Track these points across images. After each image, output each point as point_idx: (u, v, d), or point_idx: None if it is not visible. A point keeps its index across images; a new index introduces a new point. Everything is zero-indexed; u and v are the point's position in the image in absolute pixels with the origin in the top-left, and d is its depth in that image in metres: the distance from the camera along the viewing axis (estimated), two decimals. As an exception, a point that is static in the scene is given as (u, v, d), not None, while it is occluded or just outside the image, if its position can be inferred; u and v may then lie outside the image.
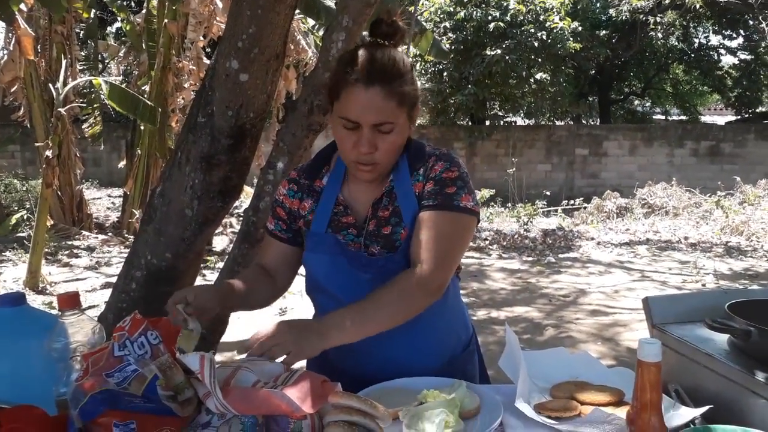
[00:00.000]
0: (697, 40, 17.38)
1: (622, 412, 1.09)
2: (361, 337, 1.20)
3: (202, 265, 6.06)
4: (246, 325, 4.73)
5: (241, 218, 8.88)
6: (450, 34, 11.67)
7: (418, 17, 10.40)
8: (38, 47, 7.57)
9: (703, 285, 5.93)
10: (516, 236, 8.33)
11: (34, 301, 5.32)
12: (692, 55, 17.39)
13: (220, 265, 6.42)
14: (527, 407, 1.13)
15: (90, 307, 4.97)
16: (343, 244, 1.31)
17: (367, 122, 1.20)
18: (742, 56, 17.17)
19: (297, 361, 1.13)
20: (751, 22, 15.13)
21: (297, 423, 1.00)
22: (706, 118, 22.01)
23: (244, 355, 1.15)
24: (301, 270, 1.44)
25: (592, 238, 8.35)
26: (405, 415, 1.09)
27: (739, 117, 18.45)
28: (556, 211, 10.28)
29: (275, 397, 0.98)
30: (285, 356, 1.12)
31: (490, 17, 11.37)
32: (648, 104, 21.68)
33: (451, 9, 11.76)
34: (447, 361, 1.40)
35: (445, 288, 1.28)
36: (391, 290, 1.21)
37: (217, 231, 8.25)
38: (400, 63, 1.22)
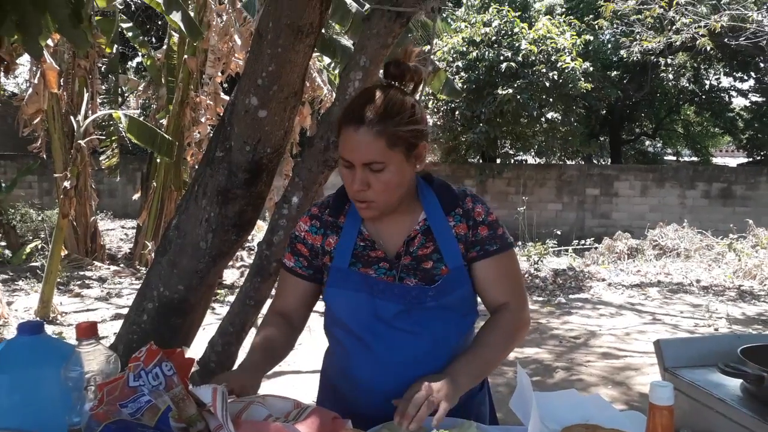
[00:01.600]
0: (708, 82, 17.50)
1: (633, 456, 1.08)
2: (480, 380, 1.38)
3: (212, 298, 6.08)
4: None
5: (252, 252, 8.92)
6: (462, 74, 11.85)
7: (432, 56, 10.59)
8: (61, 81, 7.77)
9: (716, 329, 5.84)
10: (526, 276, 8.29)
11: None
12: (703, 97, 17.50)
13: (230, 298, 6.42)
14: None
15: (100, 338, 4.97)
16: (371, 278, 1.33)
17: (357, 161, 1.25)
18: (754, 98, 17.26)
19: (448, 408, 1.17)
20: (762, 65, 15.25)
21: (307, 458, 1.00)
22: (718, 160, 22.00)
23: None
24: (318, 306, 1.46)
25: (603, 279, 8.29)
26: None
27: (751, 159, 18.43)
28: (567, 250, 10.24)
29: (286, 431, 0.99)
30: (439, 408, 1.16)
31: (502, 57, 11.54)
32: (659, 145, 21.73)
33: (464, 49, 11.96)
34: (463, 401, 1.39)
35: None
36: (501, 333, 1.36)
37: (228, 264, 8.30)
38: (395, 104, 1.25)
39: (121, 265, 8.60)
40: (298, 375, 4.32)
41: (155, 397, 1.02)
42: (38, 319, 5.63)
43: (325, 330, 1.44)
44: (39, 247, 8.56)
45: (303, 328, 1.47)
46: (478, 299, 1.41)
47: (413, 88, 1.34)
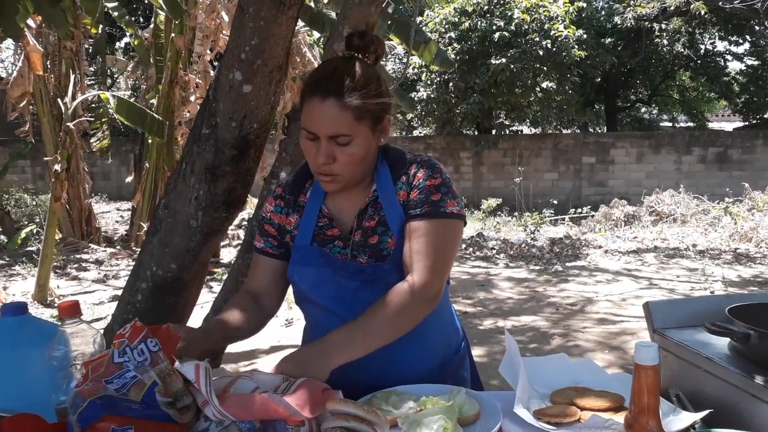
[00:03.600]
0: (703, 47, 17.34)
1: (621, 418, 1.09)
2: (366, 352, 1.22)
3: (209, 277, 6.11)
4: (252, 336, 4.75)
5: (248, 230, 8.92)
6: (455, 45, 11.72)
7: (423, 27, 10.45)
8: (48, 63, 7.66)
9: (712, 292, 5.88)
10: (523, 245, 8.31)
11: (42, 314, 5.35)
12: (698, 62, 17.36)
13: (228, 276, 6.43)
14: (526, 413, 1.13)
15: (97, 320, 5.00)
16: (330, 255, 1.32)
17: (323, 134, 1.22)
18: (749, 62, 17.14)
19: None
20: (757, 28, 15.10)
21: (295, 428, 1.01)
22: (714, 125, 21.91)
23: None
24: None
25: (600, 247, 8.32)
26: (404, 422, 1.10)
27: (747, 123, 18.37)
28: (564, 219, 10.25)
29: (273, 402, 0.99)
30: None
31: (494, 27, 11.42)
32: (655, 111, 21.64)
33: (456, 20, 11.82)
34: (438, 365, 1.40)
35: (442, 295, 1.30)
36: (390, 302, 1.23)
37: (224, 243, 8.30)
38: (363, 76, 1.22)
39: (118, 247, 8.60)
40: (293, 346, 4.34)
41: (141, 372, 1.02)
42: (33, 302, 5.65)
43: (297, 305, 1.43)
44: (34, 231, 8.55)
45: (276, 308, 1.46)
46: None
47: (375, 60, 1.31)
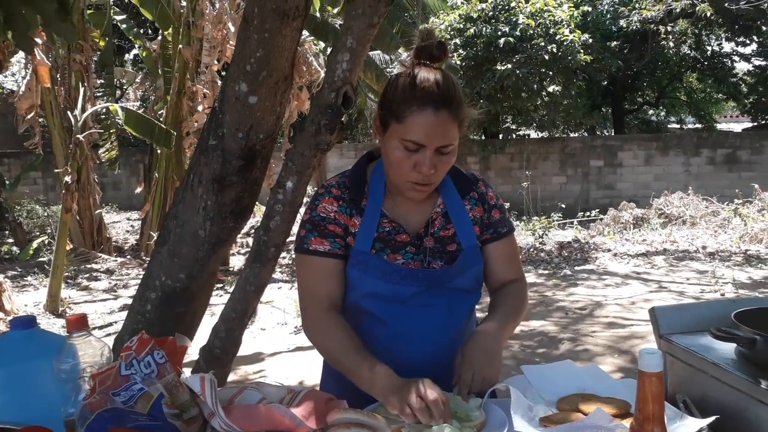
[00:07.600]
0: (710, 48, 17.29)
1: (627, 424, 1.09)
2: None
3: (218, 285, 6.13)
4: (261, 343, 4.76)
5: (256, 238, 8.94)
6: (461, 51, 11.73)
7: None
8: (57, 76, 7.75)
9: (722, 294, 5.84)
10: (531, 249, 8.28)
11: (54, 324, 5.40)
12: (705, 63, 17.29)
13: (237, 285, 6.44)
14: (526, 425, 1.12)
15: (107, 326, 5.03)
16: (393, 265, 1.33)
17: (433, 145, 1.23)
18: (757, 62, 17.07)
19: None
20: (764, 28, 15.02)
21: (300, 439, 1.01)
22: (722, 126, 21.79)
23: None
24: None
25: (609, 250, 8.28)
26: (409, 431, 1.10)
27: (755, 123, 18.26)
28: (572, 223, 10.21)
29: (277, 413, 1.00)
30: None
31: (500, 33, 11.42)
32: (662, 114, 21.55)
33: (461, 26, 11.83)
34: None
35: None
36: (522, 297, 1.47)
37: (232, 251, 8.33)
38: (459, 87, 1.27)
39: (128, 257, 8.65)
40: (302, 352, 4.35)
41: (148, 384, 1.03)
42: (45, 313, 5.69)
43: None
44: (46, 242, 8.62)
45: None
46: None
47: None
